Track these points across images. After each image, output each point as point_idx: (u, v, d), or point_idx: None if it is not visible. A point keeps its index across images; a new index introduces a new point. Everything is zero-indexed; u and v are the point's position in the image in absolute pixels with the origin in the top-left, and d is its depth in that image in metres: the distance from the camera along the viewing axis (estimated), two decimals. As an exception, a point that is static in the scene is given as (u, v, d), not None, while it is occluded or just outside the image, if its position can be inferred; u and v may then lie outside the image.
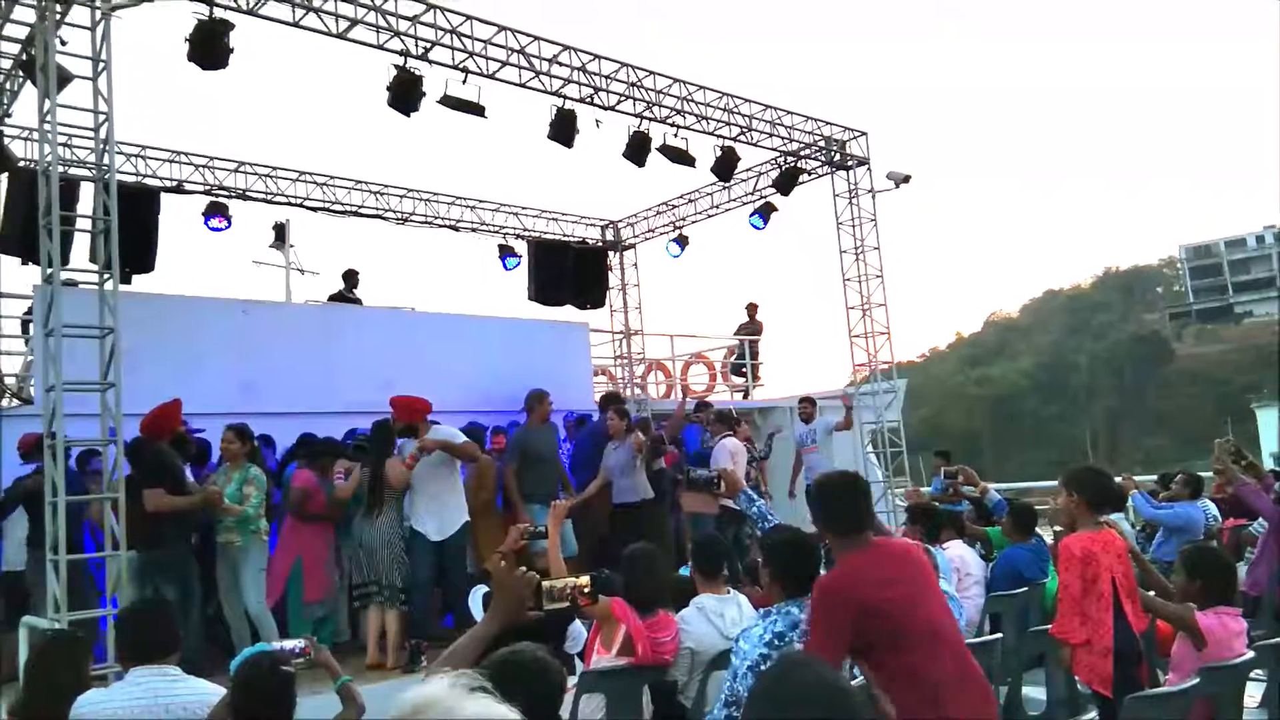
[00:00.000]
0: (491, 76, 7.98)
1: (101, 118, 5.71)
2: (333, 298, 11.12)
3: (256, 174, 10.17)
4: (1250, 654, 3.74)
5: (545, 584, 2.47)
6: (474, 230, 11.93)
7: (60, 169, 5.63)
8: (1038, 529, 6.32)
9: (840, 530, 3.15)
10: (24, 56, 6.58)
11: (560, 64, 8.33)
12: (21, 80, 7.12)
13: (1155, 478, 8.84)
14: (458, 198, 11.70)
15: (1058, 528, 7.34)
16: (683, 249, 12.68)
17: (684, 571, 4.89)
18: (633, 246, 13.23)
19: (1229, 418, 46.61)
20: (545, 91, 8.37)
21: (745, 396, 13.64)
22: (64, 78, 5.78)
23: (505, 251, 12.20)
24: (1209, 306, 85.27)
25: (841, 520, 3.16)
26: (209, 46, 6.65)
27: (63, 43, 5.80)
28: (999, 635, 4.55)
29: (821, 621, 2.95)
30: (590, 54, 8.50)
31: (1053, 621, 4.08)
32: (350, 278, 11.12)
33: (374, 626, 6.44)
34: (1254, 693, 3.97)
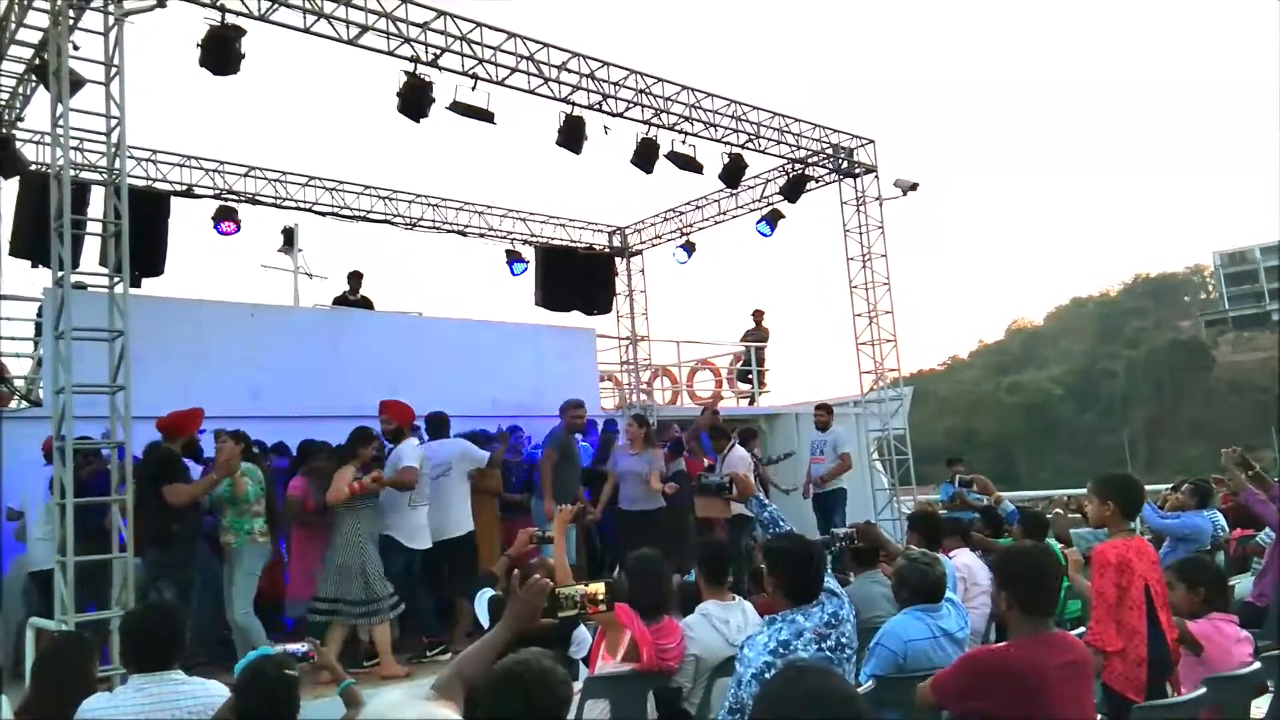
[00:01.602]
0: (501, 83, 8.01)
1: (113, 122, 5.74)
2: (337, 300, 11.16)
3: (266, 178, 10.22)
4: (1256, 665, 3.73)
5: (559, 591, 2.46)
6: (482, 236, 11.96)
7: (72, 173, 5.66)
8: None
9: (1029, 608, 3.03)
10: (37, 61, 6.63)
11: (569, 70, 8.36)
12: (34, 85, 7.18)
13: (1169, 486, 8.80)
14: (466, 203, 11.74)
15: (1056, 512, 7.36)
16: (690, 255, 12.69)
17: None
18: (640, 252, 13.24)
19: (1273, 427, 45.78)
20: (554, 98, 8.40)
21: (751, 403, 13.64)
22: (76, 82, 5.81)
23: (513, 257, 12.22)
24: (1245, 313, 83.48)
25: (1035, 597, 3.04)
26: (220, 52, 6.70)
27: (75, 47, 5.85)
28: (1005, 644, 4.53)
29: (964, 676, 2.92)
30: (599, 61, 8.53)
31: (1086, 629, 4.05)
32: (354, 279, 11.14)
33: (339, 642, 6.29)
34: (1260, 704, 3.97)
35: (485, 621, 4.24)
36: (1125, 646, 3.75)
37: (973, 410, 77.39)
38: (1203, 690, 3.45)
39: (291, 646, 3.30)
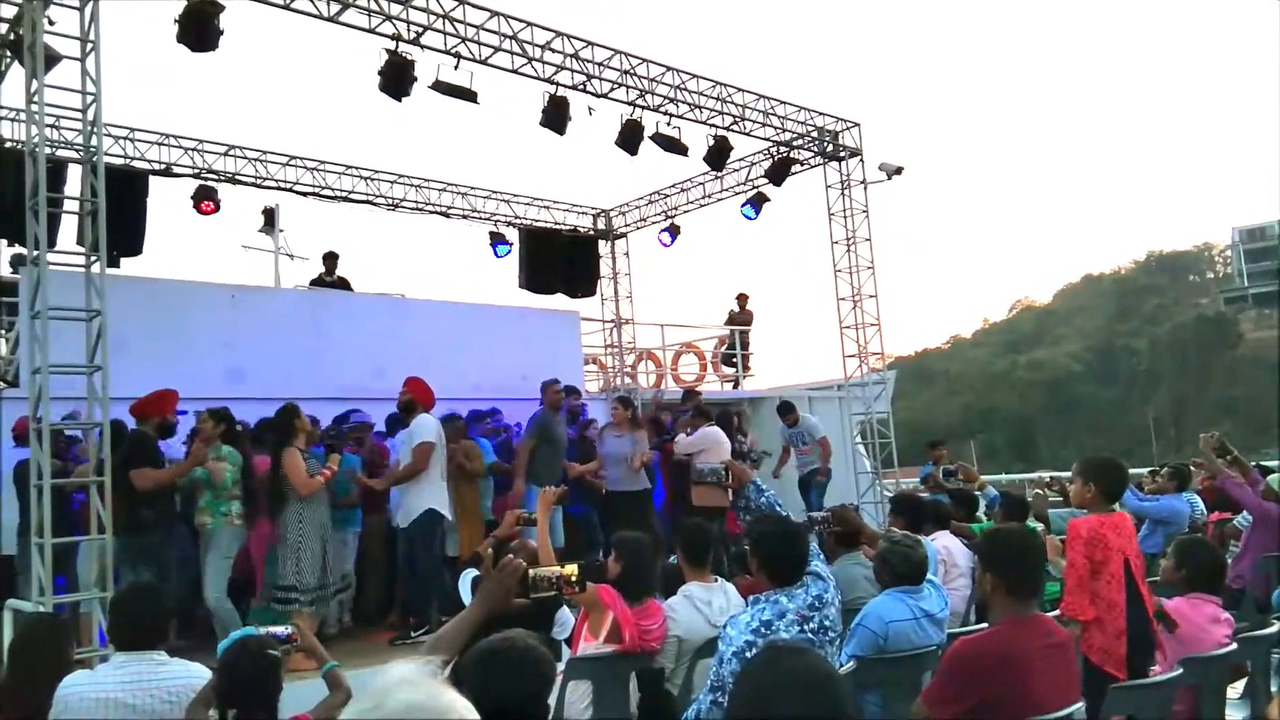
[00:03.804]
0: (484, 62, 7.94)
1: (89, 99, 5.65)
2: (314, 282, 11.07)
3: (246, 158, 10.11)
4: (1233, 645, 3.77)
5: (532, 572, 2.47)
6: (465, 217, 11.89)
7: (47, 150, 5.58)
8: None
9: (1014, 590, 3.01)
10: (11, 36, 6.52)
11: (553, 50, 8.29)
12: (9, 60, 7.05)
13: (1148, 470, 8.90)
14: (449, 184, 11.65)
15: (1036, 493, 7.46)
16: (674, 238, 12.66)
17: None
18: (624, 235, 13.21)
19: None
20: (538, 78, 8.34)
21: (735, 386, 13.66)
22: (52, 58, 5.71)
23: (496, 239, 12.17)
24: (1265, 290, 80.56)
25: (1020, 579, 3.02)
26: (199, 28, 6.62)
27: (50, 23, 5.75)
28: (983, 625, 4.57)
29: (952, 680, 2.92)
30: (583, 41, 8.47)
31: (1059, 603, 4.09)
32: (330, 260, 11.06)
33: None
34: (1237, 686, 4.01)
35: (468, 602, 4.24)
36: (1103, 618, 3.79)
37: (989, 388, 77.17)
38: (1179, 671, 3.49)
39: (274, 629, 3.28)
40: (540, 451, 7.74)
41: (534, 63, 8.21)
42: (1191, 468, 7.74)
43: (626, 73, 8.81)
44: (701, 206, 12.37)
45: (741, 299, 14.05)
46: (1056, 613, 3.77)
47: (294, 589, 6.10)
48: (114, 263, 8.02)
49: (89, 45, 5.66)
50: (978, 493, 7.40)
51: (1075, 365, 77.59)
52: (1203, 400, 66.74)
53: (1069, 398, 73.84)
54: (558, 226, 12.69)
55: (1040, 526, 6.62)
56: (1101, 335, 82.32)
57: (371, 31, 7.31)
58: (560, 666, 3.62)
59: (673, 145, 9.42)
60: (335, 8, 7.05)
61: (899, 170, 11.10)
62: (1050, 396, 74.36)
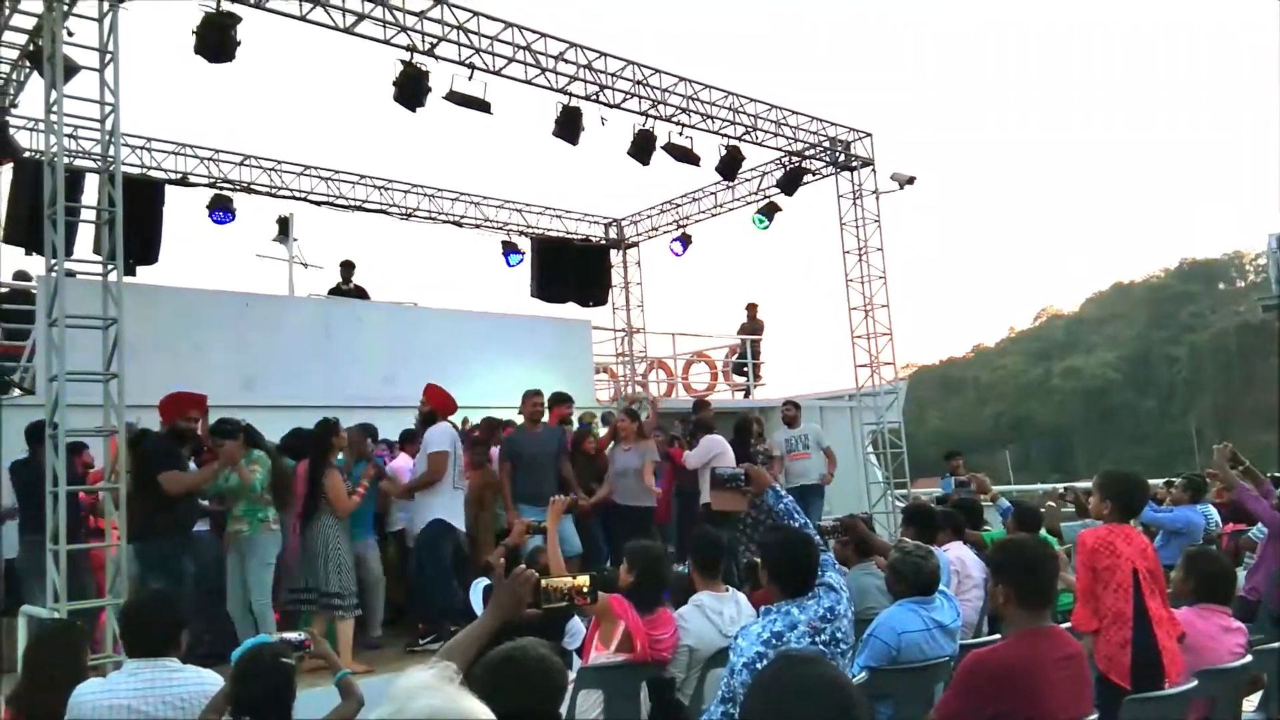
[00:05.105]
0: (498, 73, 7.99)
1: (107, 109, 5.72)
2: (333, 291, 11.13)
3: (261, 167, 10.19)
4: (1248, 658, 3.74)
5: (544, 583, 2.47)
6: (478, 226, 11.95)
7: (66, 160, 5.64)
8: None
9: (1026, 601, 2.95)
10: (31, 47, 6.60)
11: (566, 61, 8.34)
12: (28, 71, 7.14)
13: (1163, 481, 8.84)
14: (462, 194, 11.72)
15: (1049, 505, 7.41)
16: (686, 248, 12.68)
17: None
18: (636, 244, 13.24)
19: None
20: (551, 88, 8.39)
21: (746, 395, 13.65)
22: (70, 69, 5.79)
23: (508, 248, 12.22)
24: None
25: (1032, 590, 2.96)
26: (216, 39, 6.69)
27: (70, 34, 5.82)
28: (996, 636, 4.54)
29: (965, 693, 2.89)
30: (596, 51, 8.52)
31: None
32: (346, 269, 11.11)
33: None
34: (1253, 699, 3.98)
35: (480, 611, 4.25)
36: (1107, 629, 3.77)
37: (1021, 396, 75.21)
38: (1194, 683, 3.46)
39: (288, 635, 3.30)
40: (516, 473, 7.37)
41: (547, 73, 8.26)
42: (1207, 479, 7.68)
43: (639, 83, 8.85)
44: (713, 216, 12.40)
45: (751, 308, 14.04)
46: (1069, 624, 3.75)
47: (336, 594, 6.16)
48: (130, 271, 8.08)
49: (107, 56, 5.73)
50: (989, 504, 7.36)
51: (1113, 374, 75.77)
52: (1246, 409, 64.95)
53: (1107, 407, 71.74)
54: (570, 236, 12.73)
55: (1053, 539, 6.57)
56: (1137, 343, 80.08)
57: (386, 43, 7.37)
58: (571, 676, 3.63)
59: (685, 155, 9.45)
60: (351, 19, 7.12)
61: (911, 180, 11.09)
62: (1088, 405, 72.17)
